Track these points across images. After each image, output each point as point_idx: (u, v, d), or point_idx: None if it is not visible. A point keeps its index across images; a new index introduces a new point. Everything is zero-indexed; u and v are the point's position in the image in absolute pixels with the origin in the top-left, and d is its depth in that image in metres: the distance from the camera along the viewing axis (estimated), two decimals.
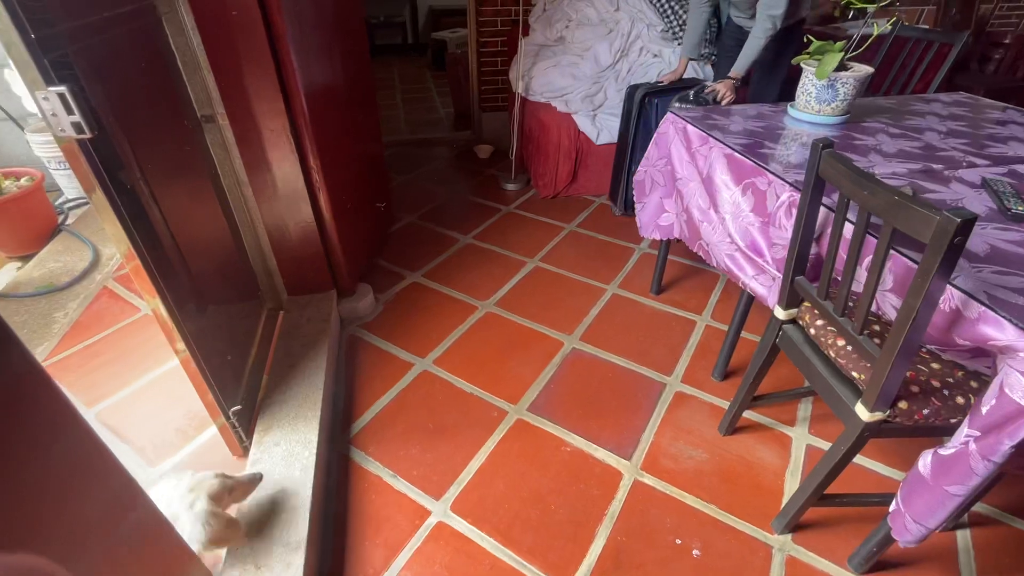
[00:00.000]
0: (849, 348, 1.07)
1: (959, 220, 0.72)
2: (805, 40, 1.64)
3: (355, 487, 1.40)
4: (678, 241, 1.76)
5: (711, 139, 1.51)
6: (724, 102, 2.14)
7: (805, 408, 1.62)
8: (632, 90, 2.41)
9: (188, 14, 1.36)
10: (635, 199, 1.93)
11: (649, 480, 1.42)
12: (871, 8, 1.58)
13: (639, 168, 1.89)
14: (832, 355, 1.12)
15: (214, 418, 1.35)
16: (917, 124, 1.63)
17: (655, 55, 2.81)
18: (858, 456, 1.45)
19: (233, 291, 1.83)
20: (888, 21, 2.28)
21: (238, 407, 1.37)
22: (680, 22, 2.85)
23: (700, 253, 1.62)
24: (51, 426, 0.53)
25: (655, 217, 1.86)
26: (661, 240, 1.94)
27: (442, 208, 2.78)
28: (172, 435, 1.51)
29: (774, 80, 2.33)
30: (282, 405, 1.49)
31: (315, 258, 1.85)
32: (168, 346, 1.20)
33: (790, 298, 1.22)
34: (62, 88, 0.84)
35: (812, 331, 1.18)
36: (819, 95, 1.56)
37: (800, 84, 1.60)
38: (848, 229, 1.01)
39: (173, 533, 0.79)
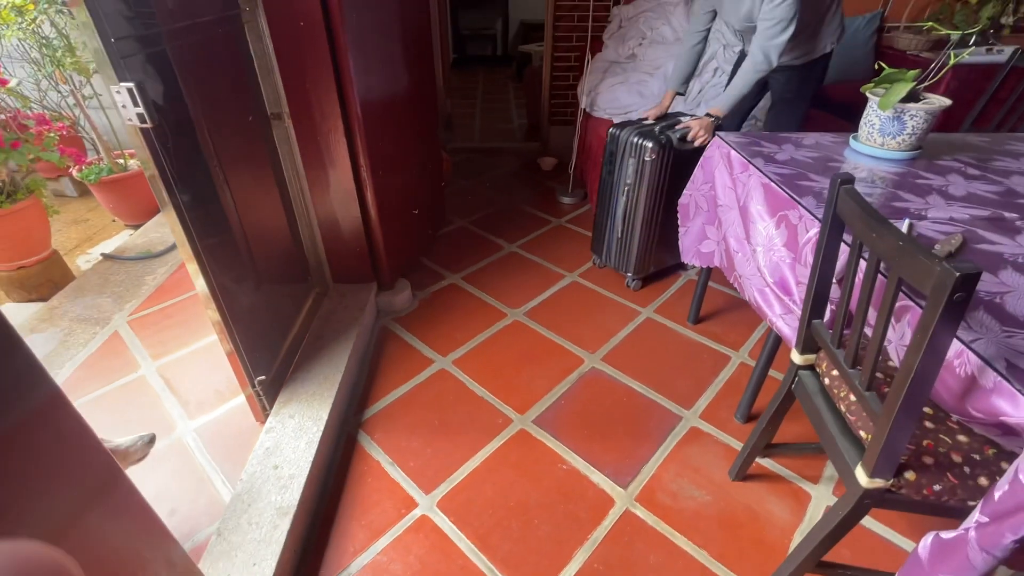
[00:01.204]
0: (858, 404, 0.98)
1: (958, 274, 0.64)
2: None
3: (355, 468, 1.48)
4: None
5: (751, 166, 1.44)
6: (697, 142, 1.91)
7: (833, 467, 1.47)
8: (617, 130, 2.04)
9: (265, 22, 1.53)
10: (679, 223, 1.87)
11: (641, 513, 1.36)
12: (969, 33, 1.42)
13: (684, 191, 1.83)
14: (843, 409, 1.02)
15: (242, 387, 1.49)
16: (1006, 166, 1.44)
17: (730, 77, 2.70)
18: (870, 520, 1.30)
19: (286, 273, 2.01)
20: (999, 49, 2.03)
21: (263, 378, 1.50)
22: None
23: (735, 285, 1.54)
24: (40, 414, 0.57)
25: (696, 243, 1.79)
26: (702, 268, 1.87)
27: (495, 215, 2.85)
28: (211, 395, 1.69)
29: (792, 119, 2.12)
30: (304, 382, 1.61)
31: (359, 252, 1.98)
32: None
33: (807, 342, 1.13)
34: (130, 84, 0.99)
35: (827, 380, 1.09)
36: (883, 127, 1.42)
37: (864, 114, 1.48)
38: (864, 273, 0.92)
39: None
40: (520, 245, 2.56)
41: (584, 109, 2.88)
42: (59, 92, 2.74)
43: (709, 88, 2.70)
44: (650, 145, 1.91)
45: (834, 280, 1.07)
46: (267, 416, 1.53)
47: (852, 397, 1.00)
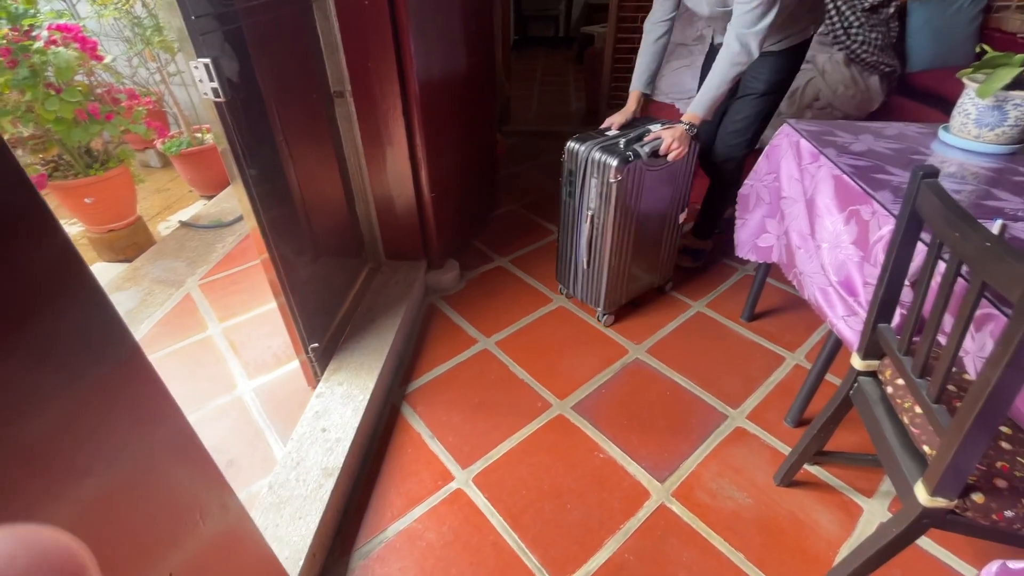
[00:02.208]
0: (924, 416, 0.91)
1: None
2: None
3: (396, 438, 1.54)
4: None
5: (822, 156, 1.35)
6: (671, 157, 1.62)
7: (890, 481, 1.38)
8: (576, 144, 1.68)
9: (332, 1, 1.57)
10: (736, 214, 1.79)
11: (677, 508, 1.34)
12: None
13: (745, 181, 1.74)
14: (906, 421, 0.95)
15: (296, 353, 1.58)
16: None
17: (807, 61, 2.52)
18: (926, 540, 1.22)
19: (343, 247, 2.08)
20: None
21: (315, 345, 1.58)
22: (846, 25, 2.51)
23: (794, 283, 1.46)
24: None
25: (754, 236, 1.70)
26: (760, 263, 1.78)
27: (546, 200, 2.83)
28: (270, 359, 1.80)
29: (759, 115, 1.85)
30: (353, 352, 1.68)
31: (411, 229, 2.02)
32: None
33: (870, 347, 1.06)
34: (207, 60, 1.05)
35: (890, 389, 1.02)
36: (980, 118, 1.29)
37: (958, 103, 1.34)
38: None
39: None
40: None
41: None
42: (147, 69, 2.95)
43: None
44: (614, 164, 1.55)
45: (906, 282, 0.99)
46: (318, 381, 1.61)
47: (917, 409, 0.93)
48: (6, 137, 1.99)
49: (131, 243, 2.54)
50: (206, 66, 1.05)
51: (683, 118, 1.65)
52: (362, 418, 1.46)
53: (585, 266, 1.83)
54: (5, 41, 1.83)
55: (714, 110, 1.65)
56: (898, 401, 0.98)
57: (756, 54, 1.49)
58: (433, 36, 1.77)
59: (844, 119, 2.40)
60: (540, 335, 1.90)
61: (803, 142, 1.44)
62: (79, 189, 2.28)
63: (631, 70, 3.09)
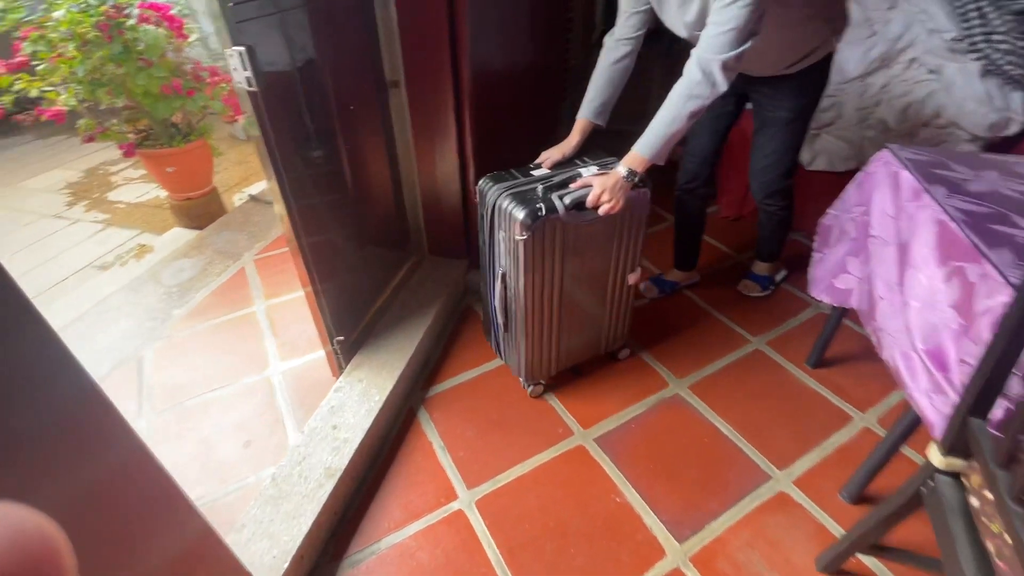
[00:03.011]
0: (1017, 554, 0.71)
1: None
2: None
3: (408, 443, 1.50)
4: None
5: (926, 195, 1.11)
6: (602, 211, 1.28)
7: None
8: (488, 184, 1.42)
9: None
10: (815, 247, 1.56)
11: None
12: None
13: (829, 210, 1.51)
14: (991, 548, 0.76)
15: (322, 343, 1.57)
16: None
17: (931, 71, 2.16)
18: None
19: (388, 237, 2.07)
20: None
21: (341, 339, 1.57)
22: (988, 30, 2.12)
23: (872, 337, 1.24)
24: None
25: (832, 275, 1.47)
26: (834, 305, 1.55)
27: None
28: (303, 343, 1.82)
29: (787, 147, 1.59)
30: (378, 349, 1.66)
31: (455, 227, 1.96)
32: None
33: (957, 443, 0.85)
34: (242, 48, 1.02)
35: (974, 501, 0.81)
36: None
37: None
38: None
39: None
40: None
41: None
42: None
43: (898, 83, 2.20)
44: (520, 217, 1.24)
45: (1017, 373, 0.78)
46: (341, 373, 1.60)
47: (1008, 538, 0.73)
48: (103, 107, 2.16)
49: (205, 212, 2.69)
50: (240, 54, 1.02)
51: (623, 161, 1.29)
52: (374, 419, 1.43)
53: (503, 328, 1.52)
54: (104, 17, 1.96)
55: (665, 154, 1.28)
56: (984, 520, 0.78)
57: (721, 88, 1.16)
58: (494, 26, 1.68)
59: (970, 142, 2.04)
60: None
61: (904, 173, 1.20)
62: (162, 158, 2.43)
63: None
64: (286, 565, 1.11)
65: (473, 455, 1.46)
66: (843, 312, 1.56)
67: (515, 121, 1.99)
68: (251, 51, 1.03)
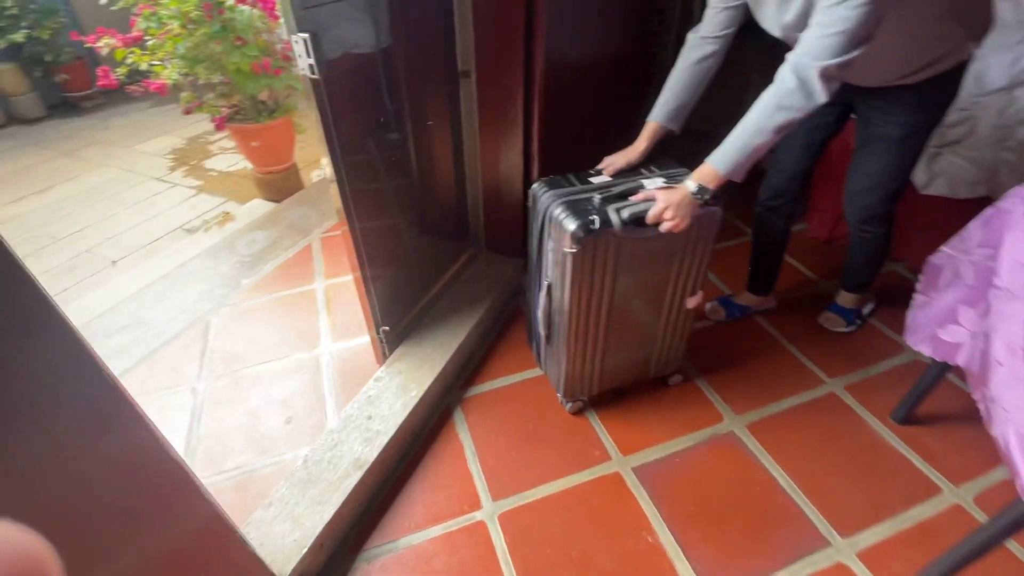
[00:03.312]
0: None
1: None
2: None
3: (439, 443, 1.48)
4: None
5: None
6: (663, 228, 1.14)
7: None
8: (541, 189, 1.32)
9: None
10: (919, 288, 1.34)
11: None
12: None
13: (943, 247, 1.29)
14: None
15: (368, 329, 1.58)
16: None
17: None
18: None
19: (448, 228, 2.06)
20: None
21: (387, 328, 1.57)
22: None
23: (980, 406, 1.05)
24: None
25: (937, 324, 1.26)
26: (934, 358, 1.33)
27: None
28: (354, 325, 1.85)
29: (896, 169, 1.36)
30: (421, 343, 1.65)
31: (513, 224, 1.91)
32: None
33: None
34: (305, 35, 1.01)
35: None
36: None
37: None
38: None
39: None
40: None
41: None
42: None
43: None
44: (571, 228, 1.13)
45: None
46: (384, 363, 1.61)
47: None
48: (201, 82, 2.30)
49: (284, 186, 2.82)
50: (304, 41, 1.01)
51: (694, 175, 1.16)
52: (409, 414, 1.42)
53: (544, 339, 1.44)
54: None
55: (745, 171, 1.12)
56: None
57: (819, 99, 1.00)
58: (574, 14, 1.58)
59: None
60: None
61: None
62: (249, 133, 2.57)
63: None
64: (304, 550, 1.12)
65: (503, 465, 1.41)
66: (945, 367, 1.34)
67: (588, 119, 1.88)
68: (315, 38, 1.02)
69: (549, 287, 1.32)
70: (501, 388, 1.63)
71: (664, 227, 1.15)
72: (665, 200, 1.14)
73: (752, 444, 1.45)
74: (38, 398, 0.53)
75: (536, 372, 1.67)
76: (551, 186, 1.30)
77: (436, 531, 1.27)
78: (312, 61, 1.04)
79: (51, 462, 0.55)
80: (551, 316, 1.37)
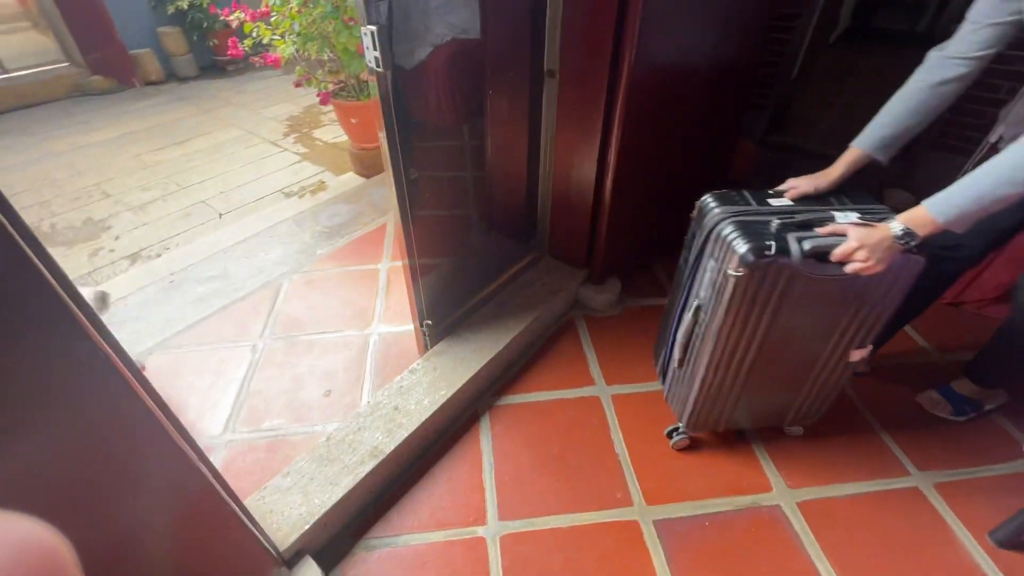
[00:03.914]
0: None
1: None
2: None
3: (460, 447, 1.46)
4: None
5: None
6: (851, 269, 0.99)
7: None
8: (713, 203, 1.19)
9: None
10: None
11: None
12: None
13: None
14: None
15: (412, 320, 1.59)
16: None
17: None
18: None
19: (515, 228, 2.02)
20: None
21: (429, 322, 1.57)
22: None
23: None
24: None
25: None
26: None
27: None
28: (406, 312, 1.87)
29: None
30: (463, 342, 1.63)
31: (579, 233, 1.82)
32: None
33: None
34: (373, 28, 1.01)
35: None
36: None
37: None
38: None
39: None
40: None
41: (991, 142, 1.87)
42: None
43: None
44: (741, 251, 1.03)
45: None
46: (424, 355, 1.62)
47: None
48: (313, 58, 2.43)
49: (375, 163, 2.94)
50: (372, 34, 1.01)
51: (901, 217, 0.99)
52: (434, 413, 1.42)
53: (676, 363, 1.34)
54: None
55: (971, 223, 0.95)
56: None
57: None
58: (673, 18, 1.44)
59: None
60: (670, 411, 1.54)
61: None
62: (349, 109, 2.69)
63: (995, 101, 2.07)
64: (308, 526, 1.16)
65: (518, 485, 1.36)
66: None
67: (678, 124, 1.72)
68: (381, 31, 1.01)
69: (698, 308, 1.22)
70: (536, 403, 1.58)
71: (851, 268, 1.01)
72: (859, 239, 1.00)
73: (799, 524, 1.27)
74: (37, 373, 0.56)
75: (576, 392, 1.60)
76: (722, 201, 1.20)
77: (437, 536, 1.26)
78: (378, 54, 1.03)
79: (43, 430, 0.58)
80: (691, 340, 1.27)
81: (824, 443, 1.45)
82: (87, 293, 1.46)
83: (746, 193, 1.22)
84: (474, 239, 1.79)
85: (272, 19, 2.36)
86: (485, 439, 1.48)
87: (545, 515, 1.30)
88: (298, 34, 2.32)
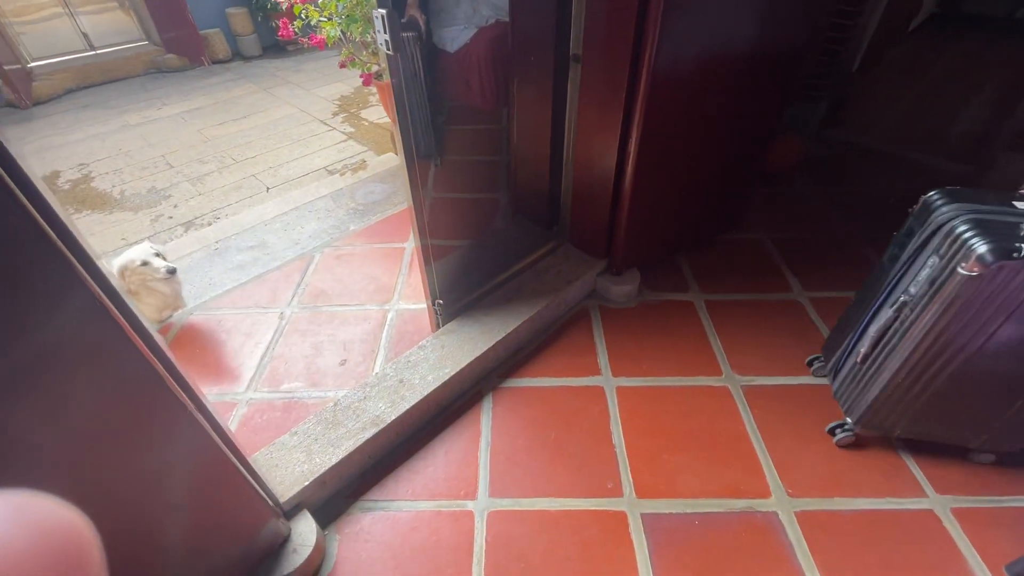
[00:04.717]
0: None
1: None
2: None
3: (460, 423, 1.50)
4: None
5: None
6: None
7: None
8: (940, 199, 1.14)
9: None
10: None
11: None
12: None
13: None
14: None
15: (425, 298, 1.64)
16: None
17: None
18: None
19: (538, 215, 2.03)
20: None
21: (440, 302, 1.62)
22: None
23: None
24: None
25: None
26: None
27: (814, 244, 2.12)
28: (422, 291, 1.93)
29: None
30: (474, 322, 1.66)
31: (598, 222, 1.80)
32: None
33: None
34: (383, 11, 1.03)
35: None
36: None
37: None
38: None
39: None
40: (815, 297, 1.87)
41: None
42: None
43: None
44: (981, 250, 0.98)
45: None
46: (434, 332, 1.67)
47: None
48: (356, 40, 2.51)
49: None
50: (382, 17, 1.04)
51: None
52: (435, 389, 1.47)
53: (859, 359, 1.30)
54: None
55: None
56: None
57: None
58: (702, 3, 1.38)
59: None
60: (673, 409, 1.52)
61: None
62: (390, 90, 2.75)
63: None
64: (307, 482, 1.24)
65: (510, 466, 1.39)
66: None
67: (705, 123, 1.66)
68: (391, 15, 1.04)
69: (903, 304, 1.18)
70: (540, 388, 1.60)
71: None
72: None
73: (794, 534, 1.23)
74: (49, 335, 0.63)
75: (584, 381, 1.60)
76: (953, 197, 1.14)
77: (427, 506, 1.31)
78: (387, 37, 1.06)
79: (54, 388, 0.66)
80: (884, 337, 1.24)
81: (833, 454, 1.38)
82: (160, 265, 1.62)
83: (984, 192, 1.15)
84: (497, 223, 1.81)
85: (320, 1, 2.44)
86: (486, 418, 1.51)
87: (534, 496, 1.32)
88: (343, 16, 2.39)
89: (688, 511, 1.28)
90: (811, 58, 2.47)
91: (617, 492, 1.33)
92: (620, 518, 1.28)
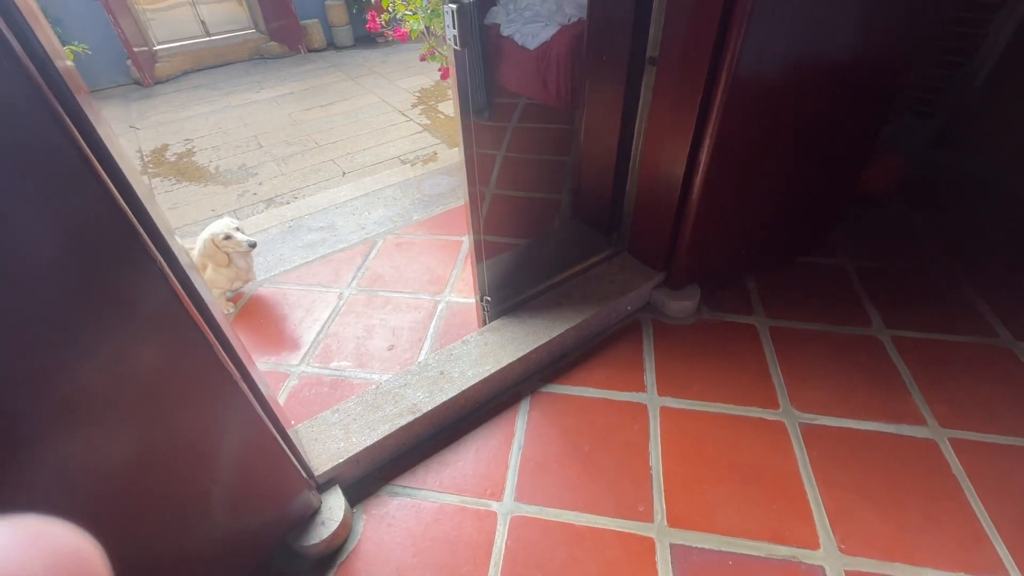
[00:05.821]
0: None
1: None
2: None
3: (495, 422, 1.50)
4: None
5: None
6: None
7: None
8: None
9: None
10: None
11: None
12: None
13: None
14: None
15: (475, 293, 1.65)
16: None
17: None
18: None
19: (598, 220, 1.98)
20: None
21: (488, 298, 1.62)
22: None
23: None
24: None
25: None
26: None
27: (908, 276, 1.91)
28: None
29: None
30: (520, 322, 1.65)
31: (660, 231, 1.72)
32: None
33: None
34: (453, 6, 1.04)
35: None
36: None
37: None
38: None
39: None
40: (898, 336, 1.68)
41: None
42: None
43: None
44: None
45: None
46: (480, 328, 1.67)
47: None
48: (438, 34, 2.56)
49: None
50: (452, 12, 1.04)
51: None
52: (473, 386, 1.47)
53: None
54: None
55: None
56: None
57: None
58: (792, 9, 1.27)
59: None
60: (719, 438, 1.43)
61: None
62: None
63: None
64: (341, 460, 1.29)
65: (539, 475, 1.37)
66: None
67: (788, 137, 1.54)
68: (461, 10, 1.04)
69: None
70: (580, 398, 1.56)
71: None
72: None
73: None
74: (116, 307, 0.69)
75: (629, 396, 1.54)
76: None
77: (452, 500, 1.32)
78: (456, 32, 1.06)
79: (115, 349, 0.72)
80: None
81: (903, 515, 1.24)
82: (243, 239, 1.76)
83: None
84: (556, 225, 1.78)
85: None
86: (521, 421, 1.50)
87: (559, 507, 1.30)
88: (428, 10, 2.44)
89: (723, 549, 1.20)
90: (920, 70, 2.23)
91: (648, 516, 1.27)
92: (647, 544, 1.22)
